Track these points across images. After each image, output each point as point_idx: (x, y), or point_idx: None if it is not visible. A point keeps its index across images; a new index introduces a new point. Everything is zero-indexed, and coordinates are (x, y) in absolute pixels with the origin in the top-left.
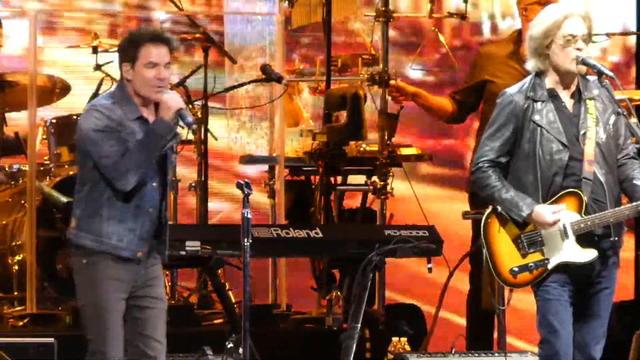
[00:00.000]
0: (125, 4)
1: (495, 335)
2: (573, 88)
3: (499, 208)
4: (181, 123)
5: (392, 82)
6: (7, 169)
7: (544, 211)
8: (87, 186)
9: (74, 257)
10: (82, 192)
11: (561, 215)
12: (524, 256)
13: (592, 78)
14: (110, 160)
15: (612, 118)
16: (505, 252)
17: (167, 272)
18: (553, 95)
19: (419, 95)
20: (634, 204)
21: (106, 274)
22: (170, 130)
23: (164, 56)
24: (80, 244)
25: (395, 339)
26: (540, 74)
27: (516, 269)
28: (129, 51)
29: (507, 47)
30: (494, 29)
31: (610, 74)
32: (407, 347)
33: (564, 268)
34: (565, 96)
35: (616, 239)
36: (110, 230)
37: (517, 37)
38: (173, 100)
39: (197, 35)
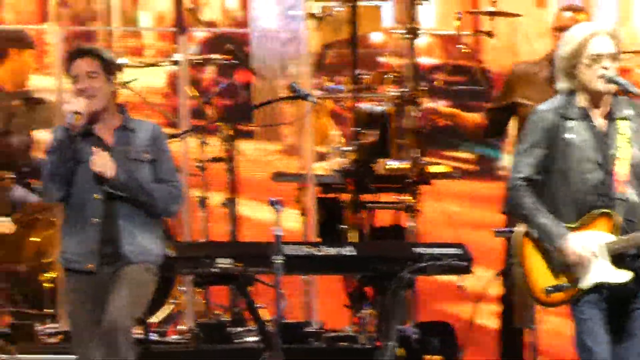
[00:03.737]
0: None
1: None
2: (605, 108)
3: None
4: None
5: (428, 105)
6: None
7: (576, 244)
8: None
9: None
10: None
11: (592, 246)
12: (557, 275)
13: (626, 98)
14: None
15: None
16: (540, 271)
17: (200, 290)
18: (584, 114)
19: (454, 116)
20: None
21: (68, 286)
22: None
23: (83, 67)
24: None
25: (427, 356)
26: (571, 93)
27: (550, 288)
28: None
29: (542, 69)
30: None
31: (638, 91)
32: None
33: (598, 288)
34: (596, 115)
35: None
36: (65, 245)
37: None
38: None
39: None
